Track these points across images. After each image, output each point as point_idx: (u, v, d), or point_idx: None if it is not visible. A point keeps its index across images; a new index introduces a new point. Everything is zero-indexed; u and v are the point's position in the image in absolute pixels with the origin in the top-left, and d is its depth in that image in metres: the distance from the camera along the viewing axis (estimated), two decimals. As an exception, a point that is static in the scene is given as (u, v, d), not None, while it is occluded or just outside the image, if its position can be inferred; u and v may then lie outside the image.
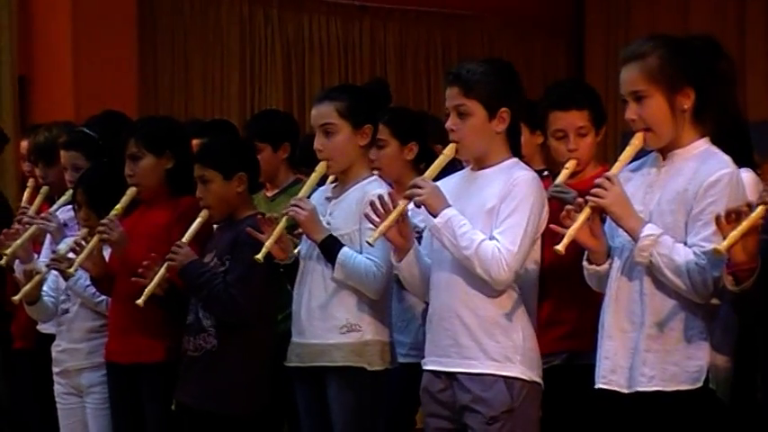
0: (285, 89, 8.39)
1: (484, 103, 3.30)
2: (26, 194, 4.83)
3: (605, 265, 3.06)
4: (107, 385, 4.18)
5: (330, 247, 3.60)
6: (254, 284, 3.75)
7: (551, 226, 3.09)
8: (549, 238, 3.09)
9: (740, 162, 3.09)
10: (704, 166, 2.98)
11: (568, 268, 3.28)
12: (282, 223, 3.62)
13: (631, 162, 3.09)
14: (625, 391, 3.00)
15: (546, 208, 3.33)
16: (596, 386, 3.05)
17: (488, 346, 3.25)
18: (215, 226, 3.98)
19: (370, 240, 3.32)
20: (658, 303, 2.97)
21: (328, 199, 3.75)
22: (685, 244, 2.94)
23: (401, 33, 8.87)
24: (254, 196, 4.13)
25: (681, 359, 2.95)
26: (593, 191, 2.96)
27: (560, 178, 3.61)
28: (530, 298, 3.33)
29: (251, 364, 3.80)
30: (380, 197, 3.31)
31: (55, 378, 4.36)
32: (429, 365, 3.36)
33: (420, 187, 3.26)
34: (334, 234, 3.62)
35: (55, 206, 4.58)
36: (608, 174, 3.01)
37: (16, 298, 4.23)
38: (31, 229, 4.37)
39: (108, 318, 4.20)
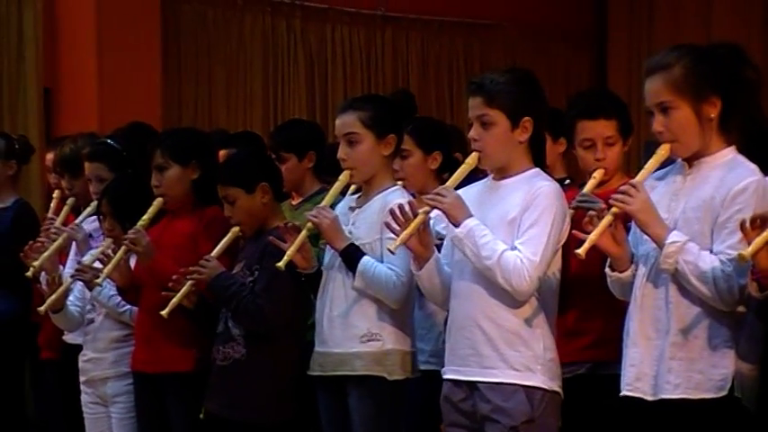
0: (308, 99, 8.41)
1: (506, 112, 3.30)
2: (52, 206, 4.87)
3: (628, 272, 3.06)
4: (133, 394, 4.21)
5: (351, 256, 3.61)
6: (281, 294, 3.77)
7: (573, 232, 3.09)
8: (573, 247, 3.09)
9: (766, 170, 3.08)
10: (731, 175, 2.97)
11: (592, 278, 3.28)
12: (304, 232, 3.63)
13: (656, 171, 3.09)
14: (650, 398, 2.99)
15: (567, 218, 3.32)
16: (621, 393, 3.05)
17: (509, 355, 3.25)
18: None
19: (391, 248, 3.33)
20: (684, 311, 2.97)
21: (352, 209, 3.76)
22: (711, 252, 2.94)
23: (423, 43, 8.88)
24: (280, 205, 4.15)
25: (706, 367, 2.95)
26: (619, 197, 2.96)
27: (587, 188, 3.60)
28: (550, 308, 3.33)
29: (279, 373, 3.81)
30: (401, 206, 3.32)
31: (81, 387, 4.39)
32: (449, 374, 3.36)
33: (442, 196, 3.26)
34: (357, 243, 3.63)
35: (80, 217, 4.61)
36: (633, 181, 3.01)
37: (42, 308, 4.26)
38: (58, 241, 4.40)
39: (134, 327, 4.23)
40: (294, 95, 8.35)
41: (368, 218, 3.69)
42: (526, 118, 3.32)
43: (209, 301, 3.91)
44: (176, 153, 4.12)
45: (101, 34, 7.24)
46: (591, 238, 2.95)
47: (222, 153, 4.63)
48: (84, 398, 4.38)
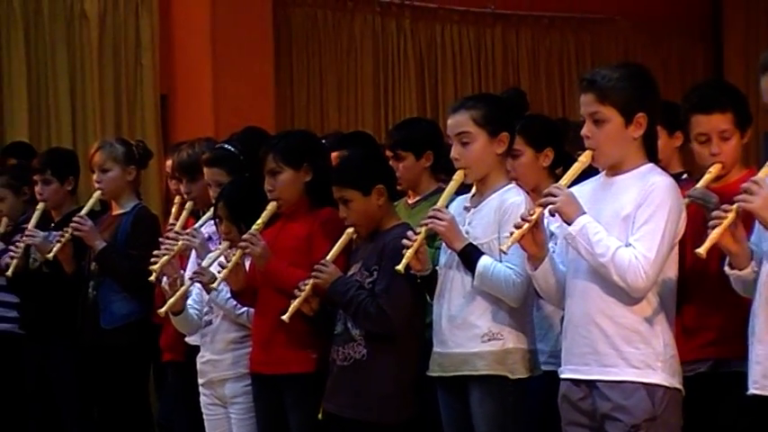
0: (419, 99, 8.42)
1: (620, 109, 3.25)
2: (174, 211, 4.94)
3: (748, 270, 3.00)
4: (251, 395, 4.25)
5: (470, 256, 3.60)
6: (401, 294, 3.78)
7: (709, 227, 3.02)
8: (691, 242, 3.03)
9: None
10: None
11: (712, 273, 3.22)
12: (422, 234, 3.63)
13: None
14: (778, 396, 2.94)
15: (684, 214, 3.26)
16: (749, 392, 2.99)
17: (628, 353, 3.21)
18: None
19: (503, 247, 3.32)
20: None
21: (467, 208, 3.75)
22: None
23: (534, 39, 8.82)
24: (395, 204, 4.15)
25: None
26: (741, 196, 2.90)
27: (702, 183, 3.53)
28: (669, 305, 3.28)
29: (400, 373, 3.82)
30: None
31: (200, 389, 4.44)
32: (567, 374, 3.34)
33: (554, 195, 3.23)
34: (474, 243, 3.62)
35: (200, 222, 4.68)
36: (755, 178, 2.94)
37: (162, 310, 4.33)
38: (178, 246, 4.47)
39: (251, 329, 4.28)
40: (405, 95, 8.36)
41: (484, 217, 3.68)
42: (640, 114, 3.27)
43: (328, 304, 3.92)
44: (288, 157, 4.15)
45: (215, 41, 7.36)
46: (712, 237, 2.90)
47: (334, 155, 4.66)
48: (203, 399, 4.44)
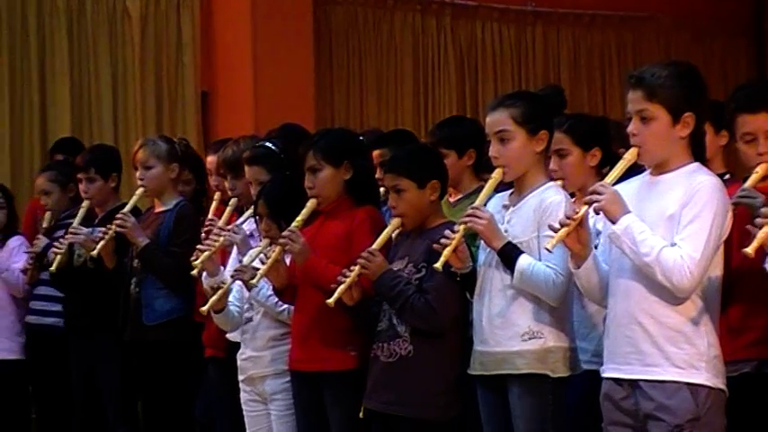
0: (458, 97, 8.42)
1: (668, 107, 3.23)
2: (213, 207, 4.96)
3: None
4: (291, 392, 4.27)
5: (509, 255, 3.59)
6: (450, 292, 3.77)
7: (749, 227, 2.99)
8: (737, 242, 3.01)
9: None
10: None
11: (756, 273, 3.19)
12: (461, 232, 3.62)
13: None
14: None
15: (729, 214, 3.24)
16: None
17: (671, 353, 3.20)
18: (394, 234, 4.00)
19: (548, 246, 3.30)
20: None
21: (506, 207, 3.74)
22: None
23: (574, 38, 8.79)
24: (438, 202, 4.15)
25: None
26: None
27: (749, 182, 3.50)
28: (713, 305, 3.26)
29: (446, 370, 3.81)
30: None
31: (240, 386, 4.45)
32: (609, 373, 3.32)
33: (600, 193, 3.22)
34: (513, 242, 3.61)
35: (241, 219, 4.69)
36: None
37: (204, 309, 4.35)
38: (220, 242, 4.49)
39: (291, 327, 4.29)
40: (444, 93, 8.36)
41: (523, 215, 3.66)
42: (688, 113, 3.26)
43: (373, 295, 3.91)
44: (328, 154, 4.16)
45: (256, 39, 7.40)
46: (760, 236, 2.87)
47: (376, 153, 4.65)
48: (243, 396, 4.45)
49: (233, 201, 4.77)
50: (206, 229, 4.66)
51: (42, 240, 5.48)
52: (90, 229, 5.17)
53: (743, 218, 3.02)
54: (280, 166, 4.49)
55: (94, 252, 5.02)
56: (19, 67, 7.17)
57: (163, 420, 5.02)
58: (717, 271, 3.26)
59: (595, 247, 3.39)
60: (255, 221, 4.44)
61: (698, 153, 3.32)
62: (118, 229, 4.97)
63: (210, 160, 5.25)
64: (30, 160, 7.18)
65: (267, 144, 4.63)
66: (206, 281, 4.45)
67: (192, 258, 4.47)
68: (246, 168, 4.57)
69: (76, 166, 5.46)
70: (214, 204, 4.95)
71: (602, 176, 3.74)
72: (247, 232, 4.55)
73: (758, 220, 2.91)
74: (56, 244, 5.25)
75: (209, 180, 5.29)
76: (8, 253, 5.72)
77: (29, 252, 5.55)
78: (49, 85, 7.22)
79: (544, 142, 3.71)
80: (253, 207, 4.47)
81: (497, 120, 3.70)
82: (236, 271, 4.30)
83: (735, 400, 3.30)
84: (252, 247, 4.40)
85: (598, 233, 3.48)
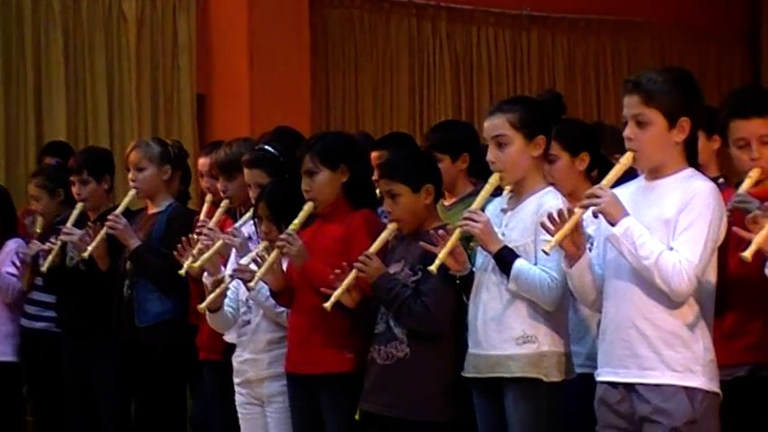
0: (454, 101, 8.43)
1: (664, 112, 3.25)
2: (204, 208, 4.97)
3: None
4: (288, 395, 4.27)
5: (505, 259, 3.60)
6: (447, 294, 3.78)
7: (734, 229, 3.00)
8: (733, 247, 3.02)
9: None
10: None
11: (753, 278, 3.21)
12: (456, 234, 3.63)
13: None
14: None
15: (724, 219, 3.26)
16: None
17: (668, 356, 3.21)
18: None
19: (545, 249, 3.31)
20: None
21: (503, 211, 3.75)
22: None
23: (570, 43, 8.80)
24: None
25: None
26: None
27: (743, 187, 3.52)
28: (707, 309, 3.28)
29: (443, 372, 3.82)
30: (560, 211, 3.29)
31: (236, 388, 4.45)
32: (604, 376, 3.33)
33: (598, 196, 3.23)
34: (510, 246, 3.62)
35: (240, 222, 4.69)
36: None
37: (202, 306, 4.35)
38: (218, 244, 4.48)
39: (287, 329, 4.29)
40: (440, 97, 8.38)
41: (522, 220, 3.68)
42: (684, 118, 3.27)
43: (371, 299, 3.92)
44: (325, 157, 4.17)
45: (252, 42, 7.41)
46: (757, 241, 2.88)
47: (375, 155, 4.66)
48: (238, 398, 4.45)
49: (225, 203, 4.78)
50: (197, 230, 4.66)
51: (36, 245, 5.47)
52: (83, 231, 5.17)
53: (739, 223, 3.03)
54: (279, 170, 4.50)
55: (86, 254, 5.01)
56: (14, 70, 7.17)
57: (156, 422, 5.02)
58: (711, 276, 3.27)
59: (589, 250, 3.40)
60: (254, 224, 4.45)
61: (692, 158, 3.34)
62: (110, 230, 4.97)
63: (203, 162, 5.26)
64: (25, 163, 7.16)
65: (267, 147, 4.63)
66: (207, 279, 4.46)
67: (179, 255, 4.47)
68: (246, 171, 4.56)
69: (69, 169, 5.45)
70: (206, 206, 4.96)
71: (591, 181, 3.75)
72: (246, 235, 4.55)
73: (753, 227, 2.91)
74: (48, 243, 5.25)
75: (201, 182, 5.30)
76: (5, 255, 5.71)
77: (22, 255, 5.52)
78: (45, 88, 7.22)
79: (541, 147, 3.73)
80: (252, 209, 4.47)
81: (495, 124, 3.72)
82: (235, 270, 4.30)
83: (729, 403, 3.31)
84: (251, 250, 4.40)
85: (589, 237, 3.49)
